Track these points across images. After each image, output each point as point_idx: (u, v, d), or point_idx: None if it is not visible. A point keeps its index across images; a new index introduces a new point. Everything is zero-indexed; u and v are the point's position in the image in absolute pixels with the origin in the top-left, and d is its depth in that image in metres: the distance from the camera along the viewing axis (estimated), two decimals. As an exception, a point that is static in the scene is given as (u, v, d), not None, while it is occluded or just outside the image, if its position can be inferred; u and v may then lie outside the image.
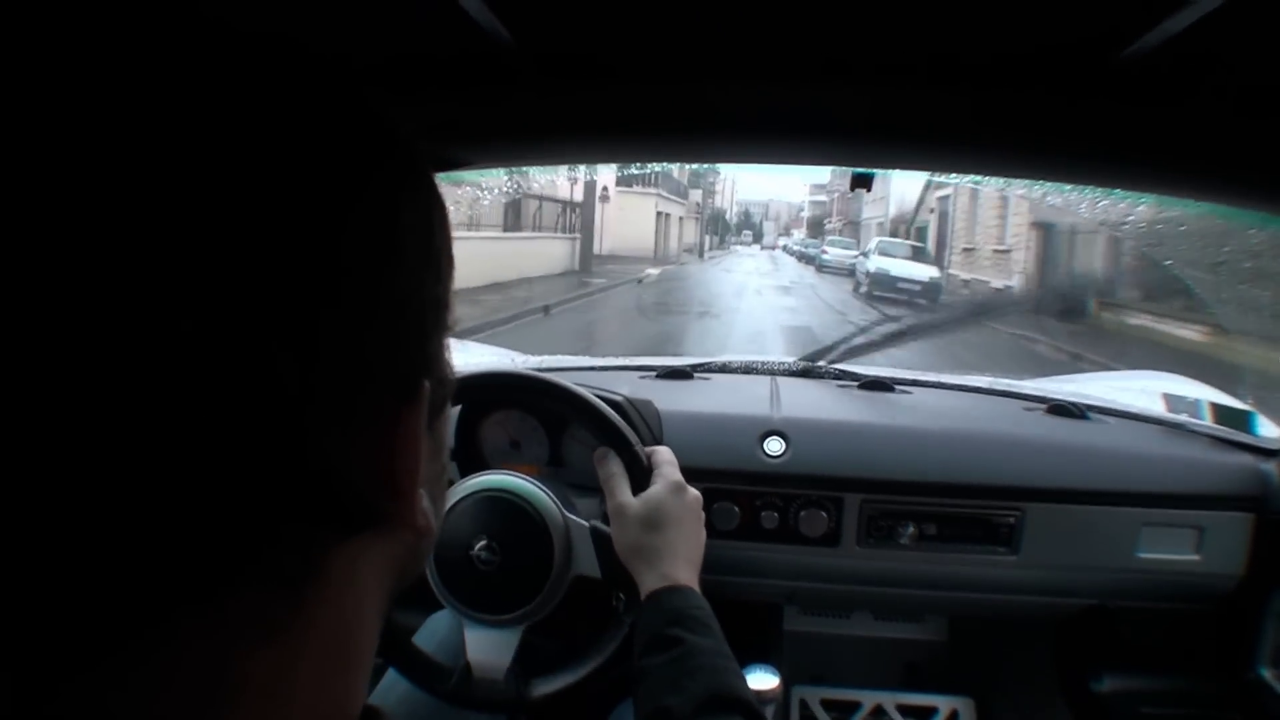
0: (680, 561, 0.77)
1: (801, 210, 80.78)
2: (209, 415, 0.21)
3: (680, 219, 36.50)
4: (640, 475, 0.85)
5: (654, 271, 18.93)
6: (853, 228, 42.68)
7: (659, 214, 29.58)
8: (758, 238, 77.46)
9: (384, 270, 0.25)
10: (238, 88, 0.23)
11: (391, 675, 0.99)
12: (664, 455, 0.87)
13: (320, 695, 0.26)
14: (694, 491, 0.83)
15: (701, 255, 36.40)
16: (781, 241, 64.54)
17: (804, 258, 37.44)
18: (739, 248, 59.54)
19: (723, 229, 56.11)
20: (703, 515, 0.84)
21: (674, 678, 0.65)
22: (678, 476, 0.84)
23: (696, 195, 39.49)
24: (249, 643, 0.24)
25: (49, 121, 0.19)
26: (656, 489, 0.82)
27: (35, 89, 0.19)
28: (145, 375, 0.20)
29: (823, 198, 65.16)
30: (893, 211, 30.41)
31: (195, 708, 0.23)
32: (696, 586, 0.76)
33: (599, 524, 0.86)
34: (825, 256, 26.62)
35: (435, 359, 0.29)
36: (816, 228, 59.31)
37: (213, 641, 0.23)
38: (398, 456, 0.26)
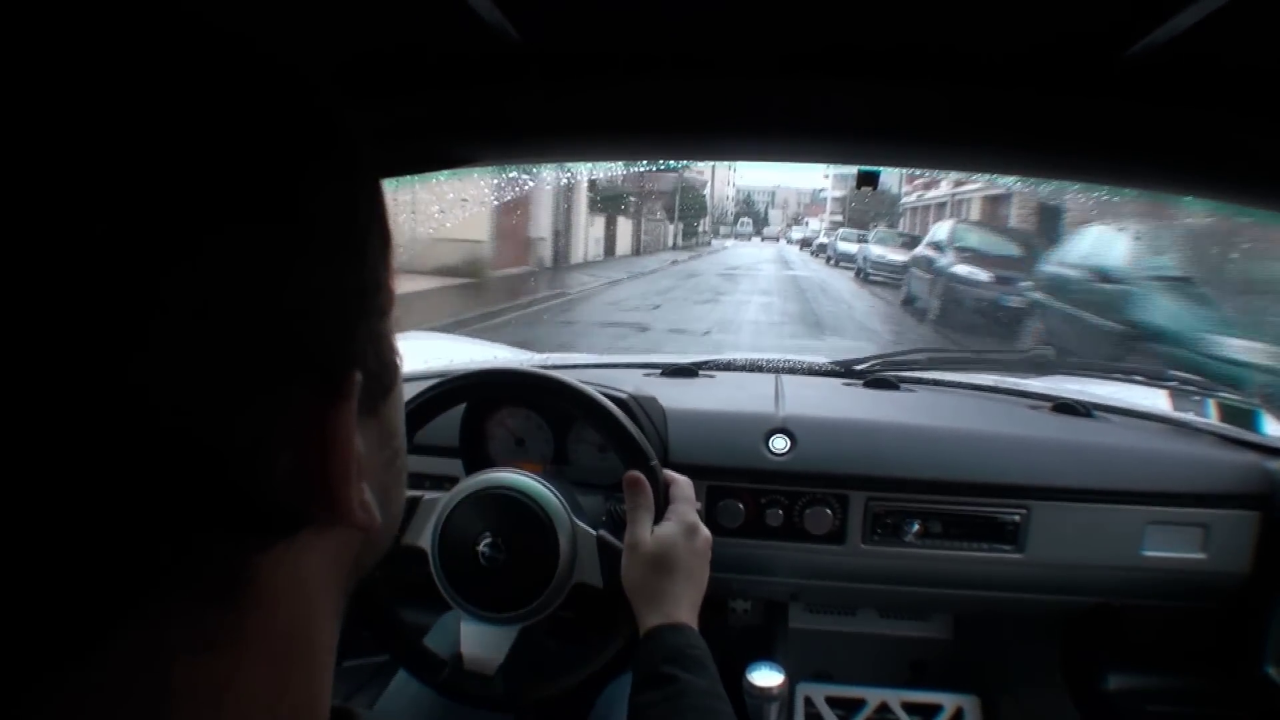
0: (684, 604, 0.77)
1: (821, 192, 60.68)
2: (109, 423, 0.20)
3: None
4: (651, 482, 0.84)
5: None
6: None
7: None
8: (760, 227, 60.48)
9: (285, 261, 0.23)
10: (126, 54, 0.21)
11: (401, 677, 0.99)
12: (681, 491, 0.86)
13: (279, 698, 0.26)
14: (705, 533, 0.83)
15: (552, 260, 14.35)
16: (796, 233, 43.26)
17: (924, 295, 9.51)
18: (730, 243, 41.56)
19: (694, 213, 33.89)
20: (709, 557, 0.83)
21: (665, 716, 0.66)
22: (692, 517, 0.83)
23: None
24: (189, 653, 0.23)
25: None
26: (670, 529, 0.81)
27: None
28: (28, 381, 0.19)
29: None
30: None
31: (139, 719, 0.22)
32: (696, 627, 0.76)
33: (606, 534, 0.86)
34: None
35: (367, 347, 0.27)
36: (875, 211, 31.46)
37: (149, 654, 0.22)
38: (324, 456, 0.25)
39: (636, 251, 22.85)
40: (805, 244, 34.76)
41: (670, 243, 29.52)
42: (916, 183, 24.49)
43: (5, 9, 0.20)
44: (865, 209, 32.27)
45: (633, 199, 21.58)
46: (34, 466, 0.19)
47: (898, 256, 13.60)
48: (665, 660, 0.70)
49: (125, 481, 0.20)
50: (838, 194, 48.41)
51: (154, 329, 0.20)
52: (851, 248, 19.53)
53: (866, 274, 15.10)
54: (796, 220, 63.20)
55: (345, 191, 0.26)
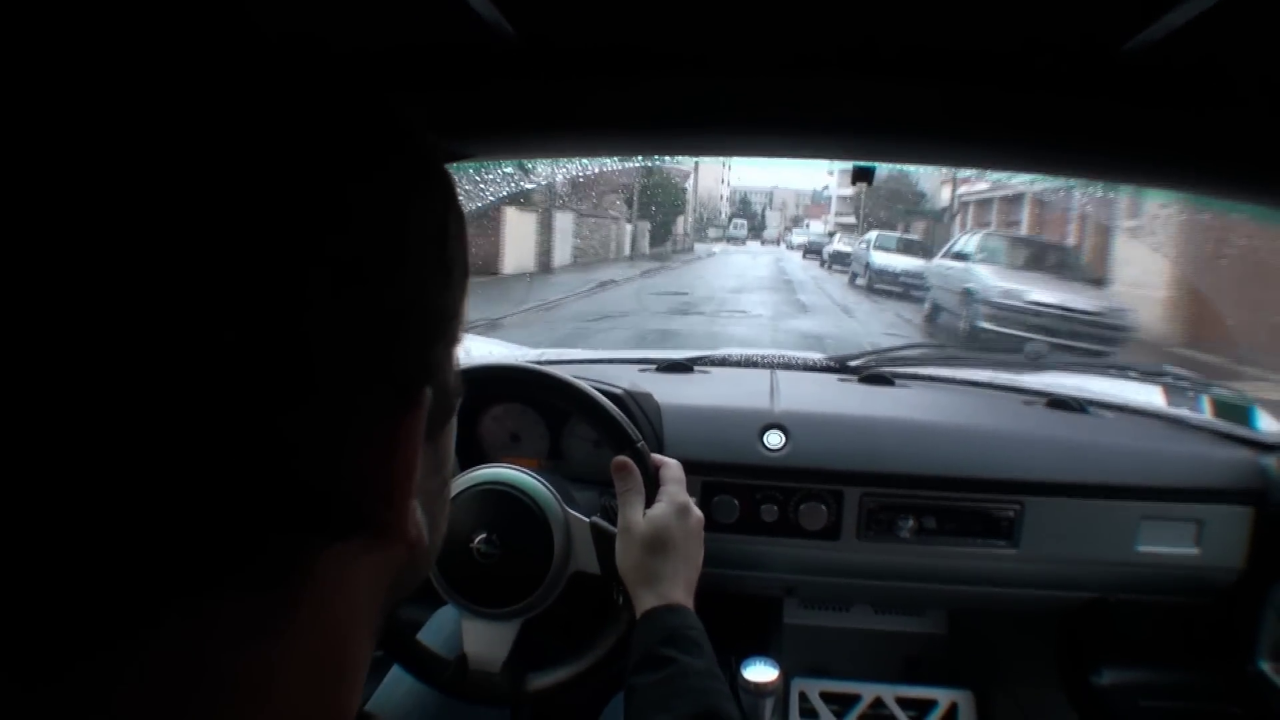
0: (679, 584, 0.78)
1: (825, 190, 51.18)
2: (193, 418, 0.20)
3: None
4: (645, 475, 0.84)
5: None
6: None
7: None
8: (758, 230, 51.75)
9: (386, 275, 0.24)
10: (241, 79, 0.22)
11: (395, 673, 0.99)
12: (672, 473, 0.86)
13: (312, 702, 0.26)
14: (697, 513, 0.83)
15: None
16: (797, 237, 35.54)
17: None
18: (719, 248, 32.47)
19: (666, 211, 23.96)
20: (702, 537, 0.84)
21: (663, 697, 0.66)
22: (683, 497, 0.84)
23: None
24: (238, 644, 0.23)
25: (37, 119, 0.19)
26: (662, 509, 0.81)
27: (36, 87, 0.19)
28: (130, 378, 0.19)
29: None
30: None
31: (183, 707, 0.23)
32: (691, 607, 0.77)
33: (600, 520, 0.87)
34: None
35: (438, 368, 0.28)
36: (906, 209, 22.40)
37: (201, 642, 0.22)
38: (393, 464, 0.26)
39: (547, 267, 14.07)
40: (810, 251, 26.13)
41: (628, 249, 20.15)
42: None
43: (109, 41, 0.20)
44: (886, 208, 23.16)
45: (535, 187, 8.46)
46: (116, 451, 0.20)
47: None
48: (663, 641, 0.71)
49: (200, 469, 0.21)
50: (845, 192, 39.87)
51: (252, 328, 0.21)
52: (902, 263, 12.74)
53: (975, 325, 8.08)
54: (795, 222, 54.75)
55: (441, 216, 0.28)
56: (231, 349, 0.20)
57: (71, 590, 0.20)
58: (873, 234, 15.35)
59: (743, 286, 14.83)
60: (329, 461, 0.24)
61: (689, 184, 29.18)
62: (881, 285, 13.13)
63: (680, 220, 27.43)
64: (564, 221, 15.13)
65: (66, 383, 0.19)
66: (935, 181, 20.37)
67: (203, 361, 0.20)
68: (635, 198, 20.37)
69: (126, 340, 0.19)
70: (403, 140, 0.26)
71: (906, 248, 13.68)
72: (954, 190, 19.50)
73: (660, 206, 23.42)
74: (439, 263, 0.28)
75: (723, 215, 50.41)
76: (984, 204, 18.12)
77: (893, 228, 18.28)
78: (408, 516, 0.27)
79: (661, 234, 24.31)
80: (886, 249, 13.83)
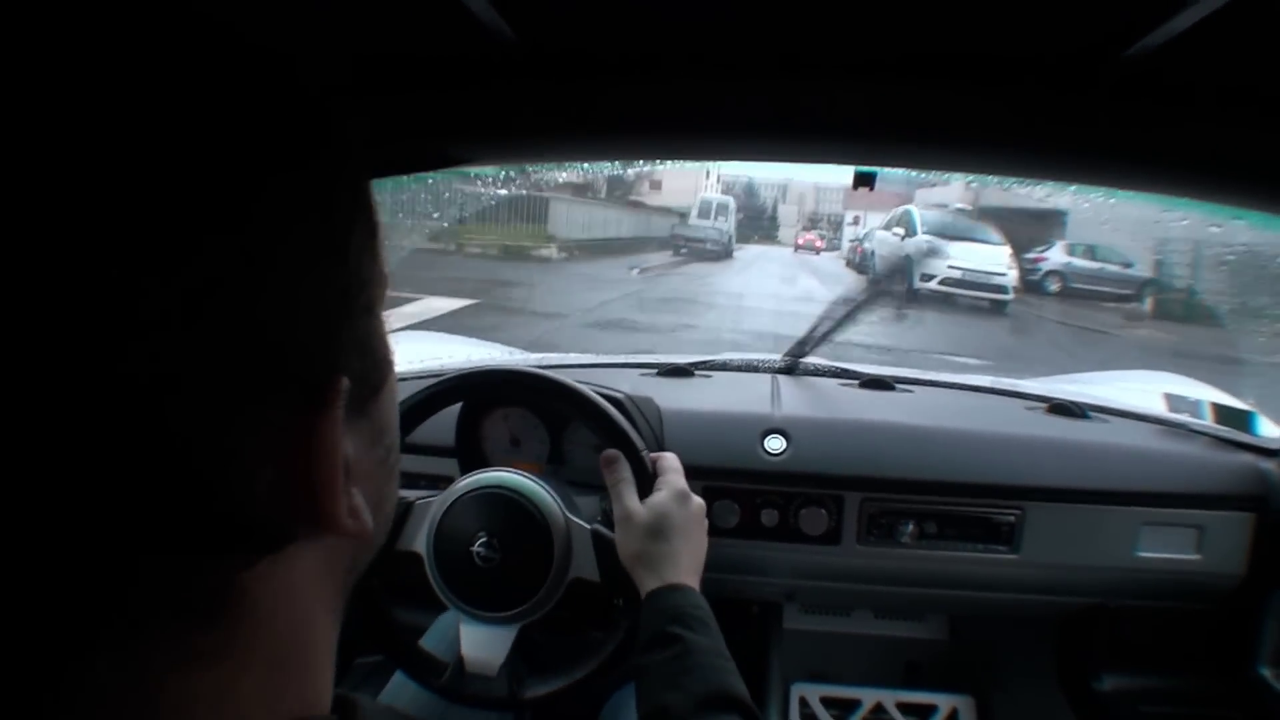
0: (683, 569, 0.77)
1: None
2: (70, 442, 0.19)
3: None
4: (644, 478, 0.84)
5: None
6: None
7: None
8: (769, 230, 37.07)
9: (257, 269, 0.22)
10: (82, 64, 0.20)
11: (400, 676, 0.99)
12: (669, 462, 0.86)
13: (279, 701, 0.26)
14: (698, 500, 0.83)
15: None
16: (882, 240, 12.65)
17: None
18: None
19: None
20: (705, 523, 0.83)
21: (673, 675, 0.65)
22: (683, 484, 0.84)
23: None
24: (178, 669, 0.23)
25: None
26: (662, 496, 0.81)
27: None
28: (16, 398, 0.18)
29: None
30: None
31: None
32: (697, 588, 0.76)
33: (601, 527, 0.86)
34: None
35: (355, 348, 0.26)
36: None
37: (133, 673, 0.22)
38: (309, 467, 0.24)
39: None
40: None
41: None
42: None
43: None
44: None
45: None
46: (9, 485, 0.19)
47: None
48: (669, 621, 0.70)
49: (102, 502, 0.20)
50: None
51: (128, 344, 0.19)
52: None
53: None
54: (814, 221, 41.17)
55: (321, 192, 0.25)
56: (115, 367, 0.19)
57: None
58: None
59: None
60: (240, 479, 0.22)
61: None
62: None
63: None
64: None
65: None
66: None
67: (88, 380, 0.19)
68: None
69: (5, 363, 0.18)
70: (266, 118, 0.23)
71: None
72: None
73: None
74: (325, 243, 0.25)
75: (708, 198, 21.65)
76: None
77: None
78: (339, 514, 0.25)
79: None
80: None
